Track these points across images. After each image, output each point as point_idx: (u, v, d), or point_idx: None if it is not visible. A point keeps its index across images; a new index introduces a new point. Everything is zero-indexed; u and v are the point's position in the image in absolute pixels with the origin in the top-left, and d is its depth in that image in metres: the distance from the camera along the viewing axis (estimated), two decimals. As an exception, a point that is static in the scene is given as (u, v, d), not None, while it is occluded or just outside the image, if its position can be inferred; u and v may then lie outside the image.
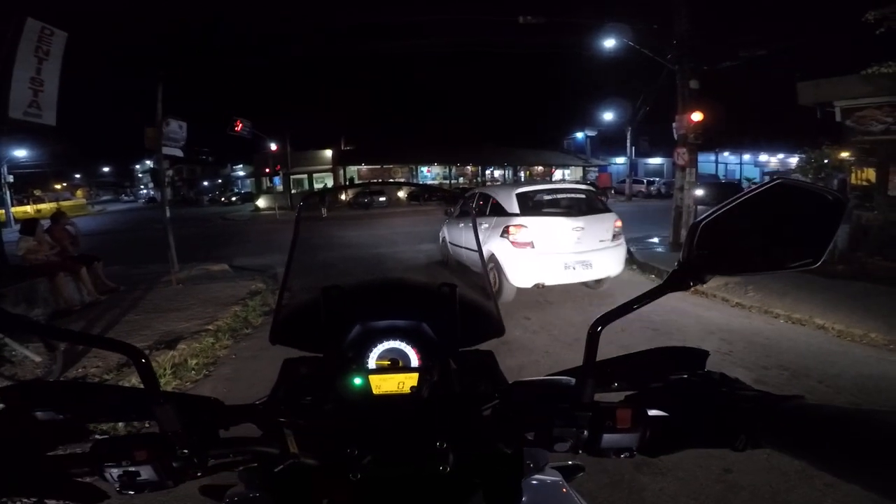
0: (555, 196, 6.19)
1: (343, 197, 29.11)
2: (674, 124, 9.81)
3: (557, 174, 37.35)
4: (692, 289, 0.58)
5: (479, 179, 36.11)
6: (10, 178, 27.19)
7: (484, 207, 6.51)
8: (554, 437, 0.58)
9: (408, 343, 0.73)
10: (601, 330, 0.58)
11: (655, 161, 37.79)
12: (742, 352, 4.27)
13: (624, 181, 31.09)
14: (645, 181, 31.06)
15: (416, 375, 0.69)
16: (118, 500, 0.61)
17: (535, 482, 0.82)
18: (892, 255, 6.41)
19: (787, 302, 5.49)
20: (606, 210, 6.28)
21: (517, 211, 5.89)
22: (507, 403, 0.67)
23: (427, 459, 0.63)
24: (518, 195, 6.02)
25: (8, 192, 25.65)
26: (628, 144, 28.63)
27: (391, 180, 34.24)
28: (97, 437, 0.59)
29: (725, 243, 0.53)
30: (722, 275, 0.54)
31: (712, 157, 35.78)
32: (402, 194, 29.53)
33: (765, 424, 0.49)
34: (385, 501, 0.64)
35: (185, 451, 0.57)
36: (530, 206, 5.96)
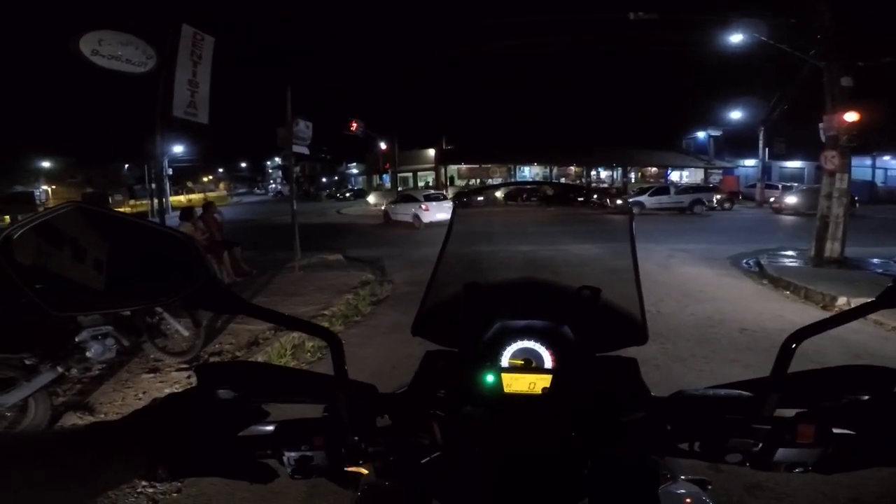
0: (433, 192, 20.02)
1: (445, 195, 29.93)
2: (821, 125, 8.64)
3: (674, 176, 34.58)
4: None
5: (583, 180, 34.73)
6: (170, 171, 31.81)
7: (408, 198, 18.80)
8: (727, 448, 0.58)
9: (542, 344, 0.73)
10: (796, 346, 0.55)
11: (794, 164, 33.37)
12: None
13: (754, 185, 27.86)
14: (780, 186, 27.51)
15: (548, 377, 0.69)
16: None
17: (674, 492, 0.79)
18: None
19: None
20: (448, 199, 17.25)
21: (422, 199, 17.76)
22: (661, 412, 0.65)
23: (564, 461, 0.63)
24: (423, 195, 18.33)
25: (168, 184, 30.05)
26: (760, 145, 25.63)
27: (533, 180, 34.32)
28: (271, 419, 0.62)
29: None
30: None
31: (868, 162, 30.60)
32: (498, 194, 29.46)
33: None
34: (519, 500, 0.64)
35: (356, 437, 0.59)
36: (425, 197, 17.84)
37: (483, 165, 33.97)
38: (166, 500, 2.44)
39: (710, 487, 0.91)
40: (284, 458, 0.58)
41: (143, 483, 2.50)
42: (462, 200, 1.15)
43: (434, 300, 0.90)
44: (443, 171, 33.35)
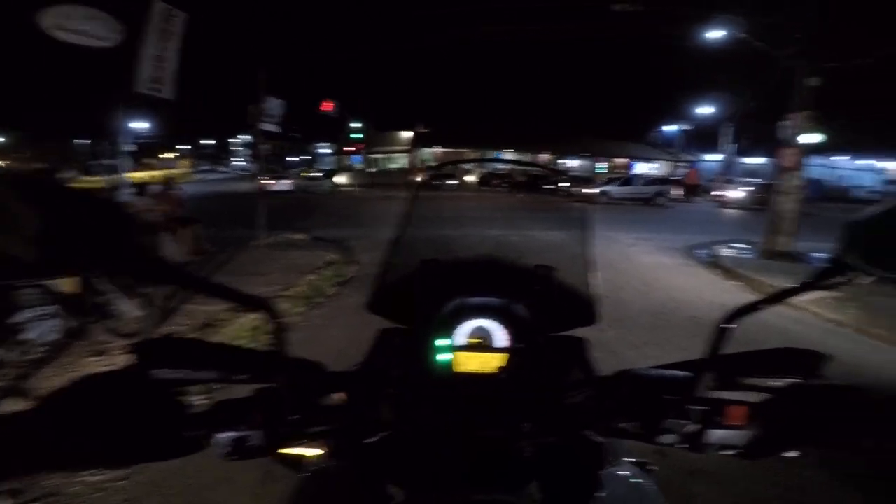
0: (278, 173, 26.25)
1: (418, 178, 29.97)
2: (783, 123, 8.97)
3: (641, 167, 35.37)
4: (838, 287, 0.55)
5: (554, 167, 35.19)
6: (132, 147, 30.42)
7: (258, 178, 13.57)
8: (662, 429, 0.57)
9: (498, 322, 0.71)
10: (730, 327, 0.56)
11: (755, 161, 34.60)
12: (829, 374, 3.88)
13: (714, 179, 28.72)
14: (739, 181, 28.45)
15: (502, 356, 0.68)
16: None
17: (615, 474, 0.79)
18: None
19: (885, 322, 4.88)
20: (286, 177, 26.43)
21: (266, 177, 12.70)
22: (606, 391, 0.65)
23: (512, 440, 0.63)
24: (268, 176, 16.45)
25: (127, 160, 28.91)
26: (724, 141, 26.41)
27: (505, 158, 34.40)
28: (200, 398, 0.60)
29: (885, 243, 0.49)
30: (878, 275, 0.50)
31: (820, 161, 32.02)
32: (471, 178, 29.79)
33: (888, 429, 0.48)
34: (467, 478, 0.63)
35: (296, 416, 0.57)
36: (269, 176, 16.29)
37: (458, 150, 33.94)
38: (114, 487, 2.36)
39: (654, 470, 0.91)
40: (219, 439, 0.55)
41: (88, 470, 2.42)
42: (423, 184, 1.13)
43: (391, 277, 0.88)
44: (416, 154, 33.18)
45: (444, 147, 33.71)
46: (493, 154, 34.64)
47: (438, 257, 0.85)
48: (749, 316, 0.56)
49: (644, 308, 5.50)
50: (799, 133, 8.67)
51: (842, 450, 0.55)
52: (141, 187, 7.46)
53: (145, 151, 42.27)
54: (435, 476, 0.64)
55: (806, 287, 0.55)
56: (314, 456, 0.84)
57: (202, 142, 67.28)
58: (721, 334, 0.56)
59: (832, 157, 33.13)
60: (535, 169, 34.11)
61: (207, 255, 7.34)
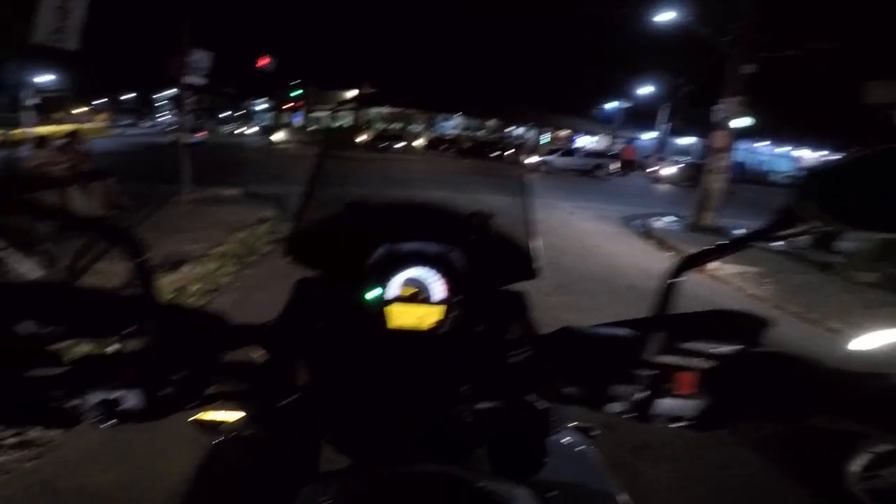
0: None
1: (360, 139, 29.24)
2: (716, 106, 9.44)
3: (582, 141, 36.39)
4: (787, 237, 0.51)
5: (500, 134, 35.42)
6: (37, 101, 27.26)
7: None
8: (608, 396, 0.51)
9: (436, 272, 0.64)
10: (682, 278, 0.50)
11: (686, 141, 36.60)
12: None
13: (649, 156, 30.17)
14: (671, 160, 30.24)
15: (440, 309, 0.62)
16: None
17: (560, 441, 0.74)
18: None
19: (802, 299, 5.31)
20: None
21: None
22: (548, 352, 0.57)
23: (449, 404, 0.57)
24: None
25: (30, 114, 25.94)
26: (661, 120, 27.67)
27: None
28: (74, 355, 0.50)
29: (836, 196, 0.47)
30: (826, 225, 0.48)
31: (744, 145, 34.48)
32: (419, 142, 29.50)
33: (837, 401, 0.45)
34: (397, 445, 0.58)
35: (183, 374, 0.49)
36: None
37: (406, 110, 33.30)
38: (23, 469, 2.07)
39: (597, 434, 0.89)
40: (87, 400, 0.47)
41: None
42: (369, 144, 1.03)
43: (312, 220, 0.78)
44: (362, 113, 32.29)
45: (391, 107, 32.94)
46: (440, 118, 34.32)
47: (366, 200, 0.77)
48: (706, 263, 0.52)
49: (585, 274, 5.63)
50: (731, 117, 9.16)
51: (791, 423, 0.50)
52: (41, 141, 6.81)
53: (52, 105, 37.90)
54: (367, 444, 0.57)
55: (756, 236, 0.51)
56: (232, 421, 0.76)
57: (124, 96, 61.95)
58: (669, 289, 0.51)
59: (755, 143, 35.79)
60: (481, 135, 34.43)
61: (124, 211, 6.70)
